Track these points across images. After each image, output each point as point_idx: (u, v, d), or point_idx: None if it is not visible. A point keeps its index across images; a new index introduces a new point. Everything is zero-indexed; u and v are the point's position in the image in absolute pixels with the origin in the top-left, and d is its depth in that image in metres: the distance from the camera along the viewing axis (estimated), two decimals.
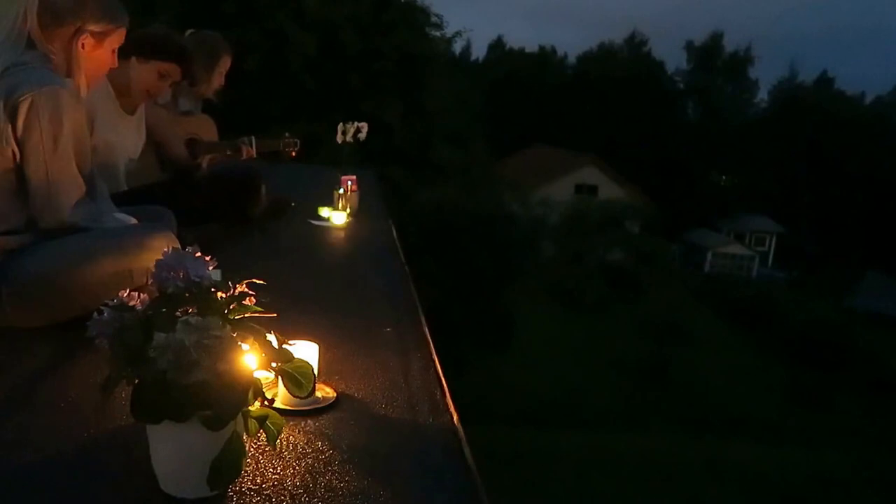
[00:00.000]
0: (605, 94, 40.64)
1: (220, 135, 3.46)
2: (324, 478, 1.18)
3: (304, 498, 1.11)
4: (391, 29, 15.15)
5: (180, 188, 2.78)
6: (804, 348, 20.98)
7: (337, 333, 1.91)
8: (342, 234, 3.52)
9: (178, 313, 1.05)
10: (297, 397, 1.18)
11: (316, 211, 3.69)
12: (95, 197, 1.90)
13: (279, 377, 1.15)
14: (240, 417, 1.04)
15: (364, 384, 1.61)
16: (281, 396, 1.38)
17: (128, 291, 1.11)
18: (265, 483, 1.15)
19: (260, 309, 1.11)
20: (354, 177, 3.85)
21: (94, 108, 2.46)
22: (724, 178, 42.56)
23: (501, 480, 10.24)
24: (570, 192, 31.72)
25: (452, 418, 1.47)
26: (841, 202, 37.39)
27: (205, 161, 3.21)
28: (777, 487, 13.39)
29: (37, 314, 1.74)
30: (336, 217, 3.61)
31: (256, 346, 1.08)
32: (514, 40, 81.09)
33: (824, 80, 46.78)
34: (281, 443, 1.28)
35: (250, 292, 1.12)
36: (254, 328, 1.09)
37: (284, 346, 1.15)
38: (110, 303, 1.09)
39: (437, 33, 17.27)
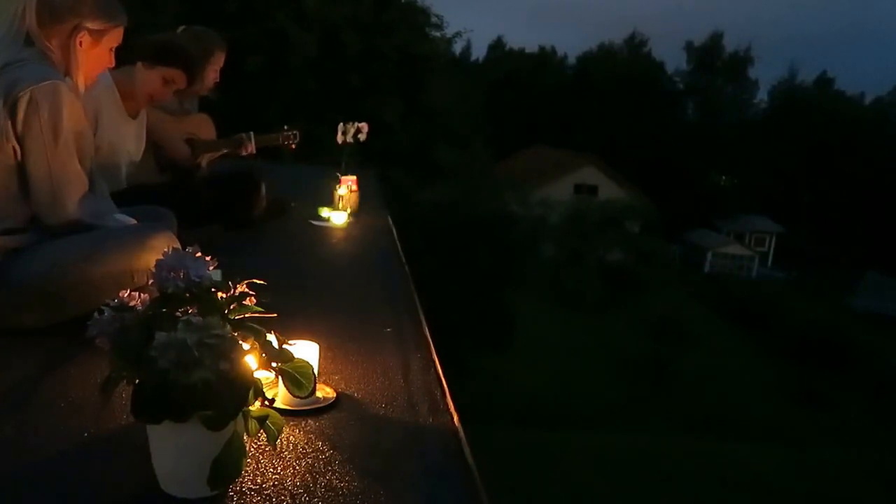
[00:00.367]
0: (605, 95, 40.57)
1: (220, 135, 3.45)
2: (324, 478, 1.18)
3: (305, 498, 1.11)
4: (391, 29, 15.17)
5: (181, 188, 2.78)
6: (804, 348, 20.98)
7: (337, 333, 1.91)
8: (342, 234, 3.51)
9: (178, 313, 1.05)
10: (297, 397, 1.18)
11: (316, 211, 3.69)
12: (96, 194, 1.90)
13: (279, 377, 1.16)
14: (240, 417, 1.04)
15: (364, 384, 1.61)
16: (281, 396, 1.38)
17: (128, 291, 1.11)
18: (265, 483, 1.15)
19: (260, 309, 1.12)
20: (354, 177, 3.85)
21: (100, 109, 2.47)
22: (723, 178, 42.47)
23: (501, 480, 10.22)
24: (570, 192, 31.68)
25: (453, 418, 1.47)
26: (840, 202, 37.37)
27: (204, 160, 3.21)
28: (777, 487, 13.38)
29: (37, 314, 1.74)
30: (336, 217, 3.60)
31: (257, 346, 1.08)
32: (514, 40, 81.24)
33: (824, 81, 46.71)
34: (281, 443, 1.28)
35: (250, 292, 1.12)
36: (254, 328, 1.09)
37: (284, 346, 1.15)
38: (110, 303, 1.09)
39: (438, 34, 17.34)
